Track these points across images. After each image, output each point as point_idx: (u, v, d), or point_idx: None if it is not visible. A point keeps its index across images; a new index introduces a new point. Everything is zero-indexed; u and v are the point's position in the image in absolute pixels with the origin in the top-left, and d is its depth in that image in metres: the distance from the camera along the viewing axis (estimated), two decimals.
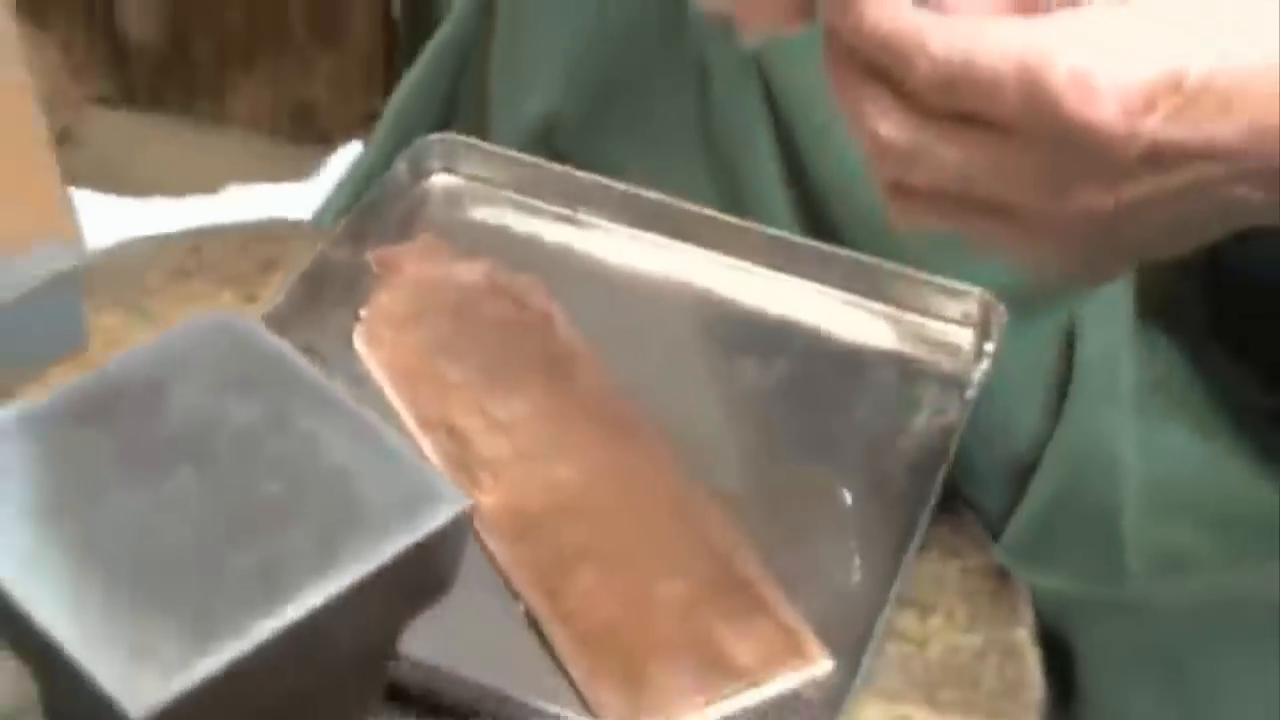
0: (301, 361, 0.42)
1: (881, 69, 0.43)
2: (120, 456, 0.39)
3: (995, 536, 0.57)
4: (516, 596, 0.50)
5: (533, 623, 0.49)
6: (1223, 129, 0.40)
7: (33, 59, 1.26)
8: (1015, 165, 0.42)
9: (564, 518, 0.53)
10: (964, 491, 0.58)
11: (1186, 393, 0.62)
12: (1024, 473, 0.59)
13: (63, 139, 1.27)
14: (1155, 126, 0.40)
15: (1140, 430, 0.59)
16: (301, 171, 1.25)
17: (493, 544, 0.52)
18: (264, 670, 0.37)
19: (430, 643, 0.46)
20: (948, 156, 0.42)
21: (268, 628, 0.37)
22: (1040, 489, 0.58)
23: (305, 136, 1.25)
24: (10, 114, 1.02)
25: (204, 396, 0.41)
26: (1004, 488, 0.59)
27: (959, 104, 0.42)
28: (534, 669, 0.48)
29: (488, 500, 0.53)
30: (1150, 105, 0.39)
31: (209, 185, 1.20)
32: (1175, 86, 0.39)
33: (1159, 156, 0.40)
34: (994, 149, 0.42)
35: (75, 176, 1.20)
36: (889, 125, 0.43)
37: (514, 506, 0.53)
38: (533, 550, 0.52)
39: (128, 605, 0.36)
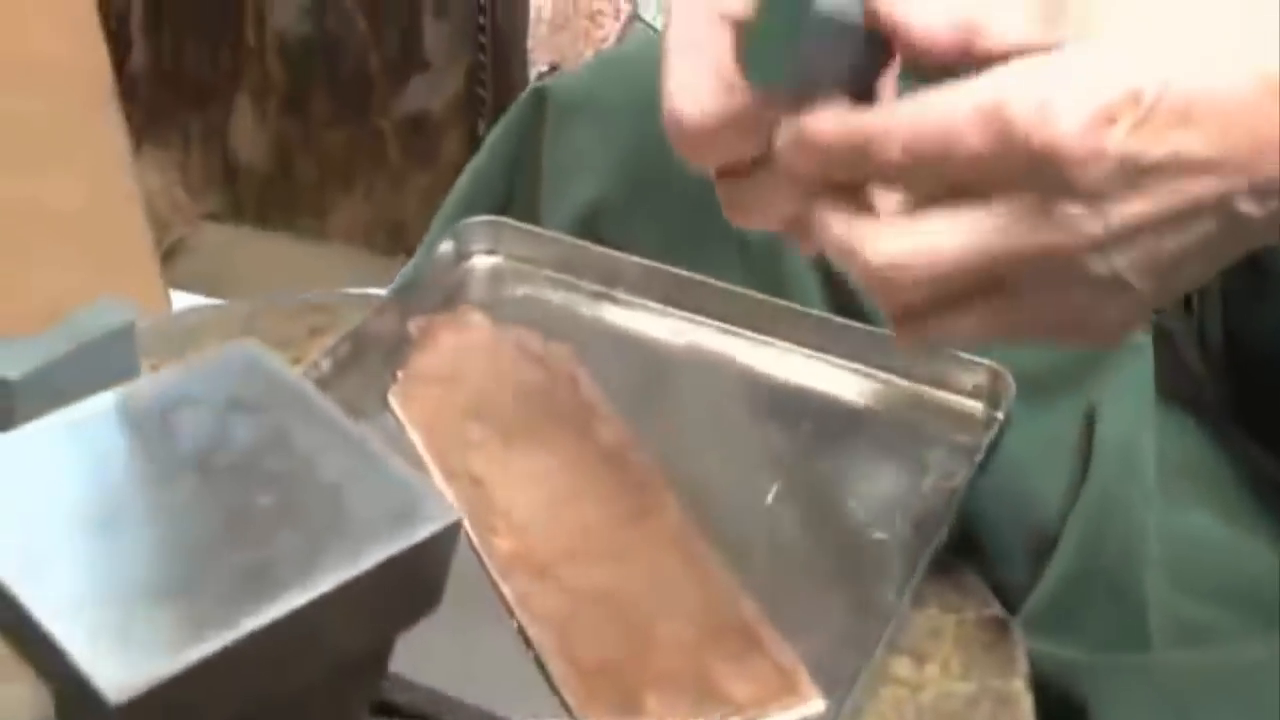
0: (309, 388, 0.45)
1: (850, 189, 0.43)
2: (131, 465, 0.42)
3: (1015, 609, 0.57)
4: (522, 632, 0.52)
5: (536, 656, 0.51)
6: (1188, 140, 0.40)
7: (151, 177, 1.35)
8: (1004, 227, 0.42)
9: (575, 562, 0.54)
10: (989, 565, 0.58)
11: (1208, 474, 0.62)
12: (1046, 547, 0.59)
13: (175, 249, 1.35)
14: (1120, 141, 0.40)
15: (1162, 510, 0.59)
16: (392, 280, 1.30)
17: (505, 587, 0.53)
18: (246, 667, 0.39)
19: (430, 669, 0.48)
20: (941, 244, 0.42)
21: (251, 624, 0.39)
22: (1061, 563, 0.58)
23: (397, 249, 1.30)
24: (120, 218, 1.09)
25: (214, 416, 0.43)
26: (1025, 561, 0.60)
27: (934, 178, 0.42)
28: (531, 697, 0.49)
29: (504, 545, 0.55)
30: (1111, 120, 0.40)
31: (305, 290, 1.26)
32: (1134, 101, 0.40)
33: (1132, 173, 0.41)
34: (979, 220, 0.42)
35: (184, 283, 1.27)
36: (875, 248, 0.42)
37: (527, 551, 0.55)
38: (542, 591, 0.53)
39: (117, 600, 0.39)
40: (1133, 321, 0.45)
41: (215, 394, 0.44)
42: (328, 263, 1.31)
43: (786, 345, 0.64)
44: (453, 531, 0.42)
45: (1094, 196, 0.41)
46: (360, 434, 0.44)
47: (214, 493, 0.42)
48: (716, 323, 0.65)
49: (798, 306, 0.64)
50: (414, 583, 0.42)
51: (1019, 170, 0.41)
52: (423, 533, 0.41)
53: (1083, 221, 0.41)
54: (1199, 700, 0.54)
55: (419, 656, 0.49)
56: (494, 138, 0.76)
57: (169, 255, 1.30)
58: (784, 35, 0.42)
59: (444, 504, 0.42)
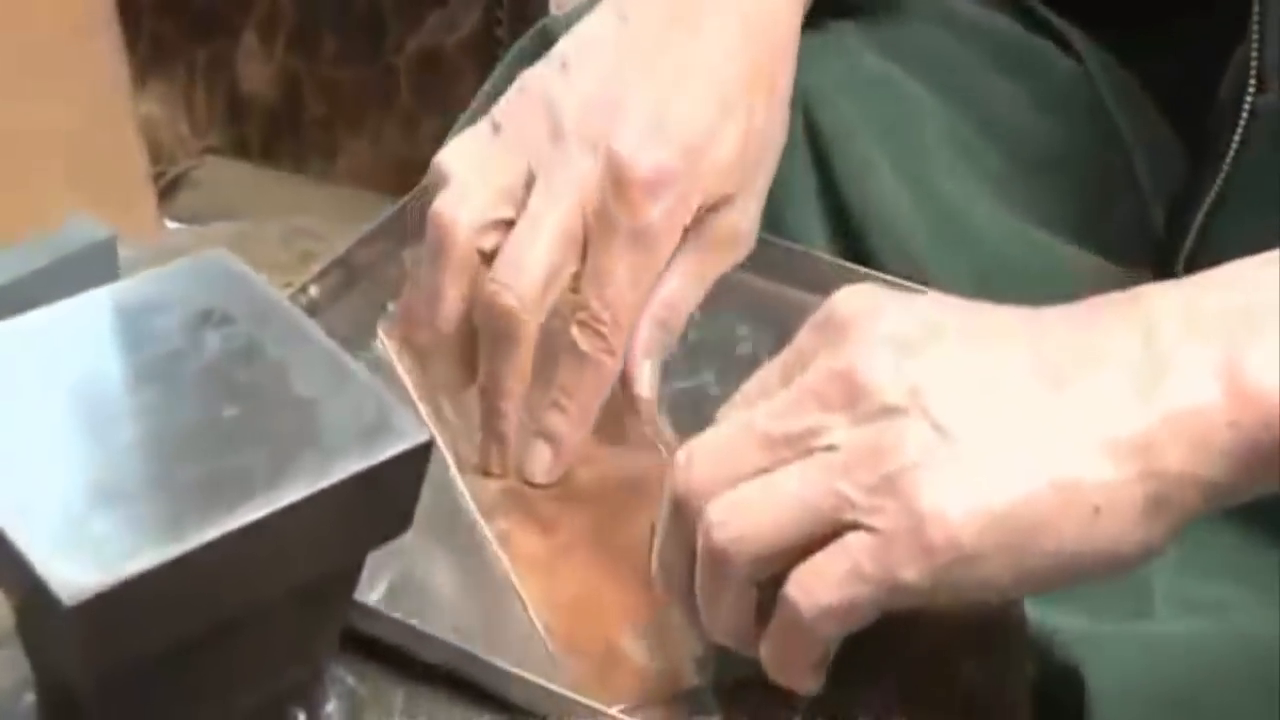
0: (282, 299, 0.44)
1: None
2: (97, 370, 0.42)
3: None
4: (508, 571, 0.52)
5: (519, 596, 0.51)
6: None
7: (155, 109, 1.34)
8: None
9: (562, 502, 0.55)
10: None
11: None
12: None
13: (177, 183, 1.35)
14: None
15: None
16: None
17: (489, 526, 0.54)
18: (208, 577, 0.39)
19: (409, 604, 0.49)
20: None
21: (214, 531, 0.38)
22: None
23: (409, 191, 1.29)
24: (116, 145, 1.10)
25: (184, 324, 0.43)
26: None
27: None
28: (512, 636, 0.50)
29: (491, 484, 0.55)
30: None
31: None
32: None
33: None
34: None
35: (183, 216, 1.27)
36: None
37: (516, 490, 0.55)
38: (526, 530, 0.54)
39: (77, 505, 0.39)
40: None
41: (185, 302, 0.44)
42: (334, 204, 1.31)
43: (800, 293, 0.63)
44: (423, 451, 0.42)
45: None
46: (335, 349, 0.44)
47: (181, 401, 0.41)
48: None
49: (812, 250, 0.64)
50: (382, 502, 0.42)
51: None
52: (392, 450, 0.41)
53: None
54: (1198, 671, 0.54)
55: (398, 591, 0.50)
56: (497, 75, 0.76)
57: (170, 188, 1.30)
58: None
59: (415, 423, 0.42)
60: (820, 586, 0.41)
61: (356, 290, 0.62)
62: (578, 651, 0.49)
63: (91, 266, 0.57)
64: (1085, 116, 0.70)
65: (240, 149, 1.39)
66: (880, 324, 0.43)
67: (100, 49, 1.06)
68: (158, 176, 1.15)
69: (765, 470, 0.43)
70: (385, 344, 0.61)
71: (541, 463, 0.54)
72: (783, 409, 0.43)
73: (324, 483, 0.40)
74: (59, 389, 0.41)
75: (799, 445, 0.42)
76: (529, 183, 0.54)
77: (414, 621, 0.48)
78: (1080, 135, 0.70)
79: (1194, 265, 0.60)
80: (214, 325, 0.43)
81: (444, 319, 0.54)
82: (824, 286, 0.62)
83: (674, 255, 0.54)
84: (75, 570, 0.37)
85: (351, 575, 0.44)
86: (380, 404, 0.42)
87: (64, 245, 0.57)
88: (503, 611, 0.51)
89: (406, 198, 0.71)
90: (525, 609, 0.51)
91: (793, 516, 0.42)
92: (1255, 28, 0.58)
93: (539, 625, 0.50)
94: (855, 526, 0.41)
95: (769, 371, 0.46)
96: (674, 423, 0.57)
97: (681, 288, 0.55)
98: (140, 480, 0.39)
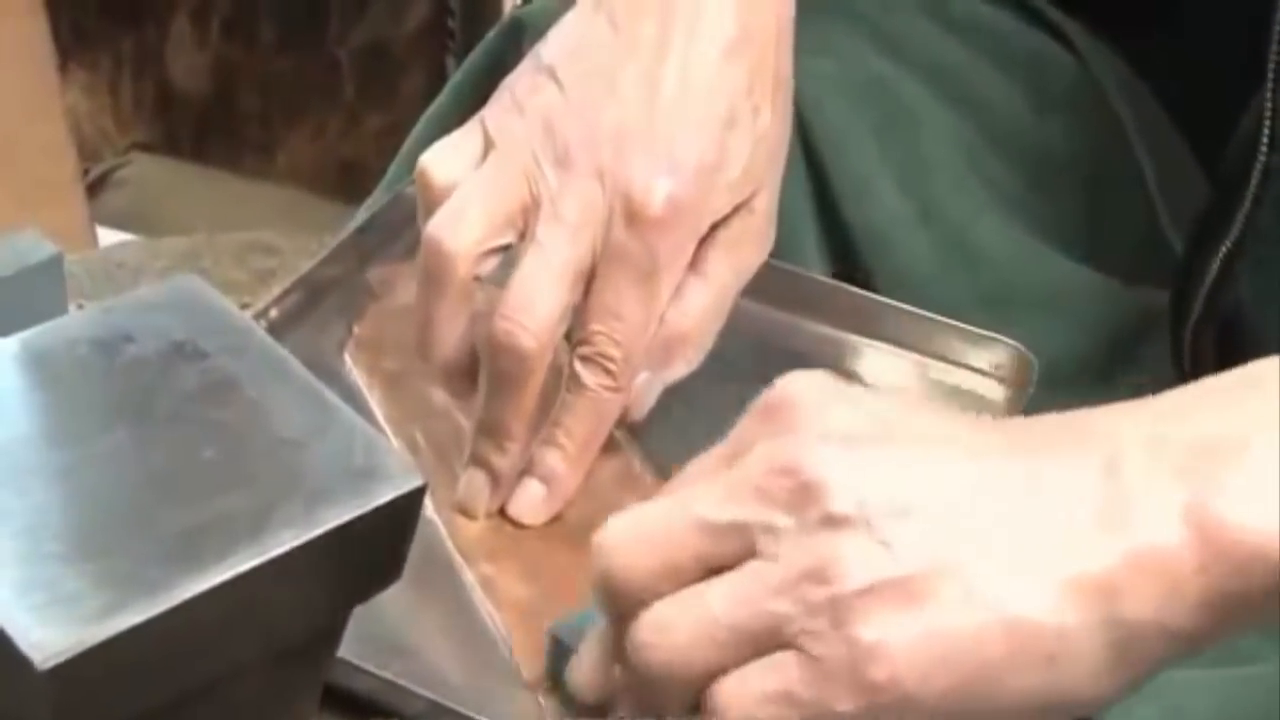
0: (259, 332, 0.44)
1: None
2: (58, 411, 0.41)
3: None
4: (490, 616, 0.52)
5: (504, 643, 0.52)
6: None
7: (78, 101, 1.33)
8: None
9: (543, 542, 0.55)
10: None
11: None
12: None
13: (103, 182, 1.34)
14: None
15: None
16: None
17: (469, 570, 0.54)
18: (187, 636, 0.38)
19: (388, 654, 0.49)
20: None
21: (191, 588, 0.38)
22: None
23: (350, 195, 1.29)
24: (44, 143, 1.08)
25: (154, 358, 0.43)
26: None
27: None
28: (497, 686, 0.50)
29: (467, 524, 0.55)
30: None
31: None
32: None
33: None
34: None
35: (111, 219, 1.26)
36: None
37: (493, 530, 0.55)
38: (507, 574, 0.54)
39: (46, 558, 0.38)
40: None
41: (155, 334, 0.44)
42: (271, 205, 1.30)
43: (791, 315, 0.64)
44: (416, 496, 0.42)
45: None
46: (316, 385, 0.43)
47: (153, 444, 0.41)
48: None
49: (797, 268, 0.64)
50: (372, 551, 0.42)
51: None
52: (384, 496, 0.41)
53: None
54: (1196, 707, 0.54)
55: (376, 639, 0.50)
56: (463, 71, 0.75)
57: (95, 188, 1.28)
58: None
59: (407, 465, 0.42)
60: (748, 702, 0.40)
61: (319, 312, 0.62)
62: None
63: (36, 288, 0.56)
64: (1090, 116, 0.71)
65: (170, 145, 1.38)
66: (828, 417, 0.42)
67: (25, 34, 1.05)
68: (81, 175, 1.14)
69: (702, 558, 0.42)
70: (354, 371, 0.61)
71: (533, 503, 0.55)
72: (723, 495, 0.42)
73: (312, 532, 0.40)
74: (22, 427, 0.41)
75: (735, 539, 0.41)
76: (527, 207, 0.54)
77: (389, 674, 0.48)
78: (1085, 135, 0.71)
79: (1214, 303, 0.61)
80: (187, 359, 0.43)
81: (442, 352, 0.54)
82: (816, 309, 0.64)
83: (689, 273, 0.54)
84: (47, 630, 0.37)
85: (337, 630, 0.44)
86: (369, 445, 0.42)
87: (4, 264, 0.56)
88: (487, 663, 0.51)
89: (369, 211, 0.71)
90: (511, 660, 0.51)
91: (724, 639, 0.41)
92: (1270, 83, 0.59)
93: (527, 677, 0.50)
94: (790, 645, 0.40)
95: (710, 457, 0.45)
96: (665, 467, 0.57)
97: (699, 307, 0.55)
98: (114, 531, 0.39)
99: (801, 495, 0.41)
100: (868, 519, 0.40)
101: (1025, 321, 0.64)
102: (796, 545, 0.40)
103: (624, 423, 0.56)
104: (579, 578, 0.53)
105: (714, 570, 0.42)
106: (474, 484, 0.55)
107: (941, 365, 0.63)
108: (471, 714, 0.48)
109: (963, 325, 0.62)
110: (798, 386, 0.43)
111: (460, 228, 0.54)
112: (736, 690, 0.41)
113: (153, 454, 0.41)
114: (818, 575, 0.40)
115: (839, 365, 0.62)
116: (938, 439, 0.42)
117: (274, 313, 0.61)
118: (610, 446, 0.56)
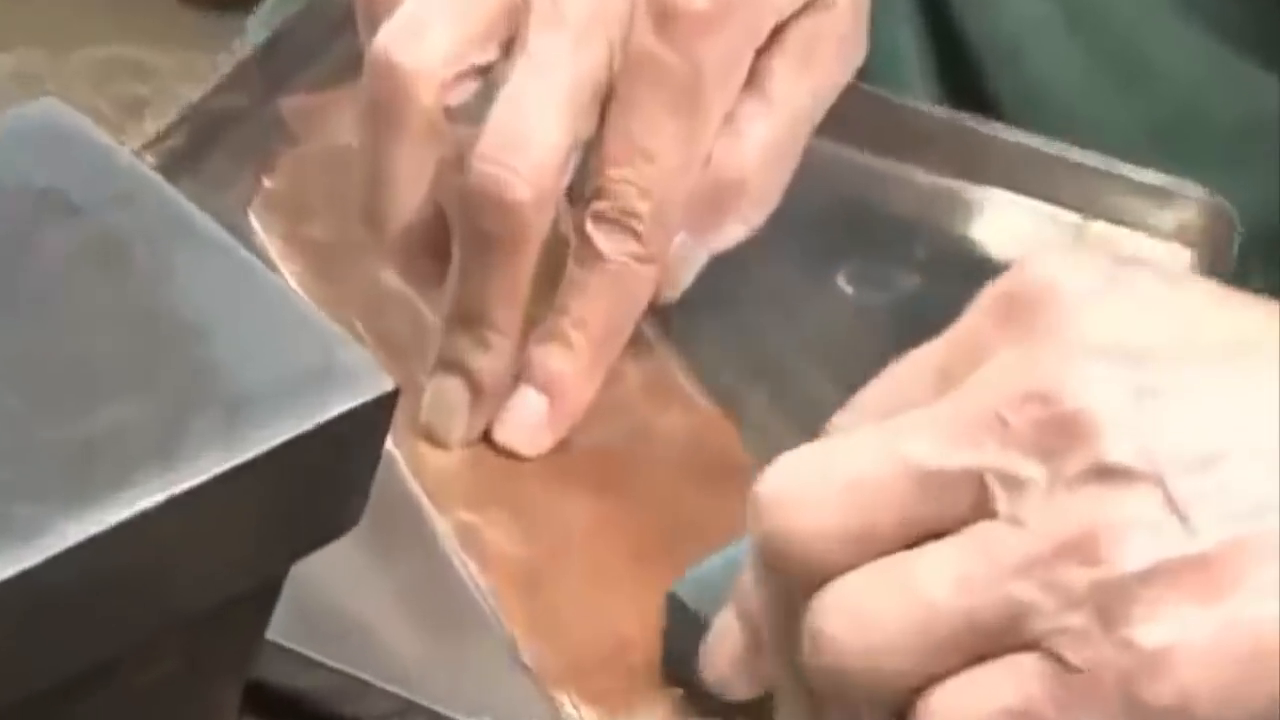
0: (153, 175, 0.45)
1: None
2: None
3: None
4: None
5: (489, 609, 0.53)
6: None
7: None
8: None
9: (557, 489, 0.56)
10: None
11: None
12: None
13: None
14: None
15: None
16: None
17: (441, 518, 0.55)
18: (68, 599, 0.39)
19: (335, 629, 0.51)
20: None
21: (73, 534, 0.39)
22: None
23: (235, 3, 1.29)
24: None
25: (9, 216, 0.43)
26: None
27: None
28: (483, 681, 0.51)
29: (433, 455, 0.56)
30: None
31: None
32: None
33: None
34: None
35: None
36: None
37: (471, 462, 0.56)
38: (490, 521, 0.55)
39: None
40: None
41: (8, 182, 0.44)
42: (136, 9, 1.30)
43: (879, 156, 0.65)
44: (385, 406, 0.42)
45: None
46: (235, 246, 0.44)
47: (13, 334, 0.42)
48: None
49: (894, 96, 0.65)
50: (321, 484, 0.43)
51: None
52: (337, 405, 0.41)
53: None
54: None
55: (316, 614, 0.51)
56: None
57: None
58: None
59: (369, 361, 0.43)
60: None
61: (213, 158, 0.63)
62: (589, 701, 0.51)
63: None
64: None
65: None
66: (1097, 318, 0.41)
67: None
68: None
69: (910, 520, 0.41)
70: (262, 236, 0.61)
71: (530, 424, 0.55)
72: (944, 430, 0.41)
73: (237, 456, 0.40)
74: None
75: (961, 493, 0.41)
76: (514, 6, 0.54)
77: (338, 664, 0.50)
78: None
79: None
80: (55, 215, 0.44)
81: (398, 216, 0.54)
82: (924, 150, 0.65)
83: (745, 94, 0.55)
84: None
85: (271, 595, 0.44)
86: (315, 332, 0.43)
87: None
88: (467, 642, 0.52)
89: (275, 17, 0.71)
90: (502, 639, 0.52)
91: (943, 635, 0.41)
92: None
93: (529, 661, 0.51)
94: (1034, 645, 0.40)
95: (917, 366, 0.44)
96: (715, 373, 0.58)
97: (759, 142, 0.56)
98: None
99: (1061, 434, 0.40)
100: (1159, 473, 0.40)
101: (1217, 163, 0.65)
102: (1050, 506, 0.40)
103: (656, 309, 0.57)
104: (604, 534, 0.54)
105: (925, 536, 0.41)
106: (446, 397, 0.55)
107: (1103, 226, 0.64)
108: (450, 714, 0.49)
109: (1130, 170, 0.63)
110: (1051, 270, 0.42)
111: (422, 40, 0.54)
112: (956, 704, 0.41)
113: (27, 348, 0.41)
114: (1081, 550, 0.39)
115: (953, 228, 0.63)
116: (1261, 353, 0.41)
117: (149, 157, 0.61)
118: (637, 344, 0.57)
